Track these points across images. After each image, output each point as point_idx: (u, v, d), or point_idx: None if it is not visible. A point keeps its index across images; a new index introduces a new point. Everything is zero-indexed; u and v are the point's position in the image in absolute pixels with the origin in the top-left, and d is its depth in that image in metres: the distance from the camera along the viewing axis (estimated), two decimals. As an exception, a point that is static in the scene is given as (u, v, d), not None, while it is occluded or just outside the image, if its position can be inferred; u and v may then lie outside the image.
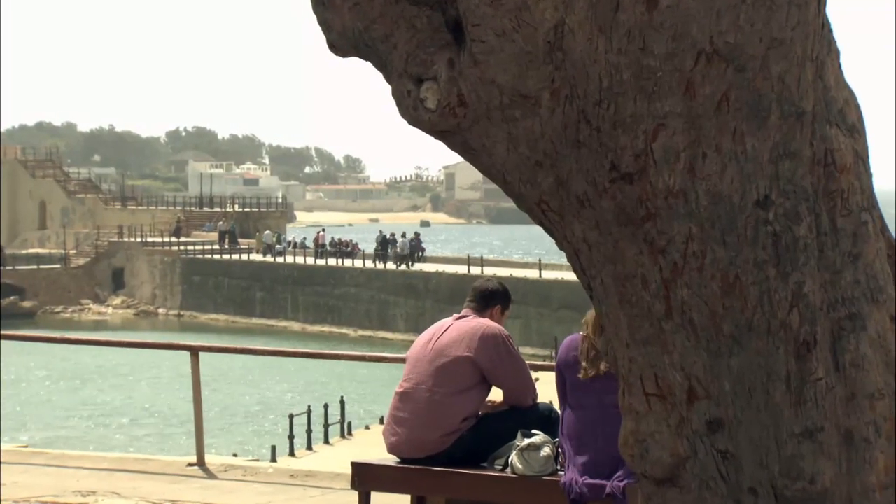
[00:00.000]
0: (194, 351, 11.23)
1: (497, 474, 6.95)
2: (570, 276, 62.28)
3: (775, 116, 3.37)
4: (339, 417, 31.00)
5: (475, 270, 66.38)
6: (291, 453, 27.56)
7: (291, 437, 28.61)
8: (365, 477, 7.27)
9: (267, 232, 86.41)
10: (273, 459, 24.93)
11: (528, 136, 3.49)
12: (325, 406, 30.50)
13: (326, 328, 72.14)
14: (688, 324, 3.46)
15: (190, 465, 10.71)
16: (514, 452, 6.87)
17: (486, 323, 7.23)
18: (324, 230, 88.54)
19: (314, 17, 3.71)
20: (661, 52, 3.33)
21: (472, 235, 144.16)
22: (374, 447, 26.06)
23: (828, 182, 3.48)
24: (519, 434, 6.91)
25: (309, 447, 28.79)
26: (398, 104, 3.57)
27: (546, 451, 6.81)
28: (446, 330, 7.27)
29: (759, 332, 3.43)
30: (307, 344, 58.29)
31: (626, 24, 3.33)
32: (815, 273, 3.44)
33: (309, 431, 29.50)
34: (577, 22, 3.36)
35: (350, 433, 30.71)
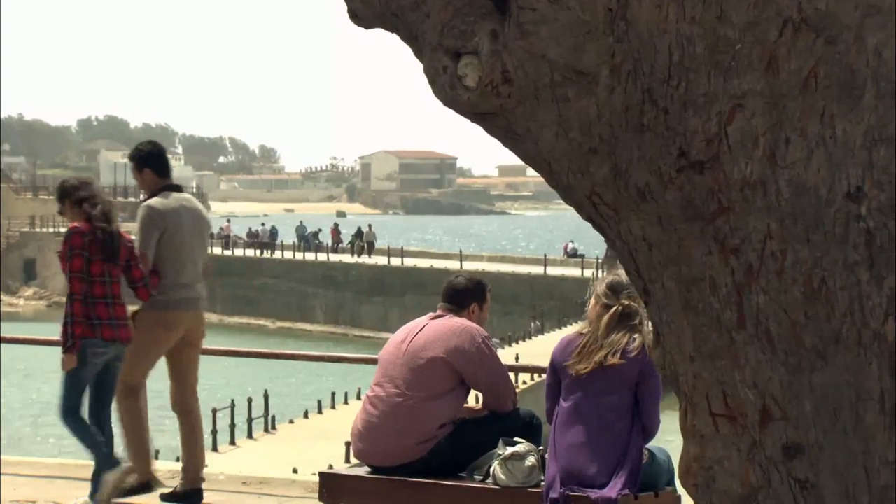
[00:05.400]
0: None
1: (477, 485, 6.49)
2: (491, 266, 61.97)
3: (870, 95, 2.94)
4: (262, 411, 30.58)
5: (395, 261, 65.97)
6: (215, 448, 27.22)
7: (214, 433, 28.13)
8: (333, 488, 6.76)
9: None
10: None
11: (581, 120, 3.04)
12: (249, 400, 30.14)
13: (244, 319, 71.20)
14: (763, 335, 3.03)
15: (135, 471, 10.12)
16: (496, 462, 6.42)
17: (463, 323, 6.78)
18: (229, 221, 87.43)
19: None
20: (741, 21, 2.91)
21: (391, 227, 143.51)
22: (297, 441, 25.70)
23: (927, 172, 3.05)
24: (500, 442, 6.46)
25: (232, 442, 28.44)
26: (431, 83, 3.09)
27: (531, 460, 6.37)
28: (421, 330, 6.80)
29: (847, 344, 2.99)
30: (230, 335, 57.38)
31: (702, -12, 2.89)
32: (914, 276, 3.00)
33: (232, 426, 29.08)
34: (645, -14, 2.91)
35: (274, 427, 30.37)
